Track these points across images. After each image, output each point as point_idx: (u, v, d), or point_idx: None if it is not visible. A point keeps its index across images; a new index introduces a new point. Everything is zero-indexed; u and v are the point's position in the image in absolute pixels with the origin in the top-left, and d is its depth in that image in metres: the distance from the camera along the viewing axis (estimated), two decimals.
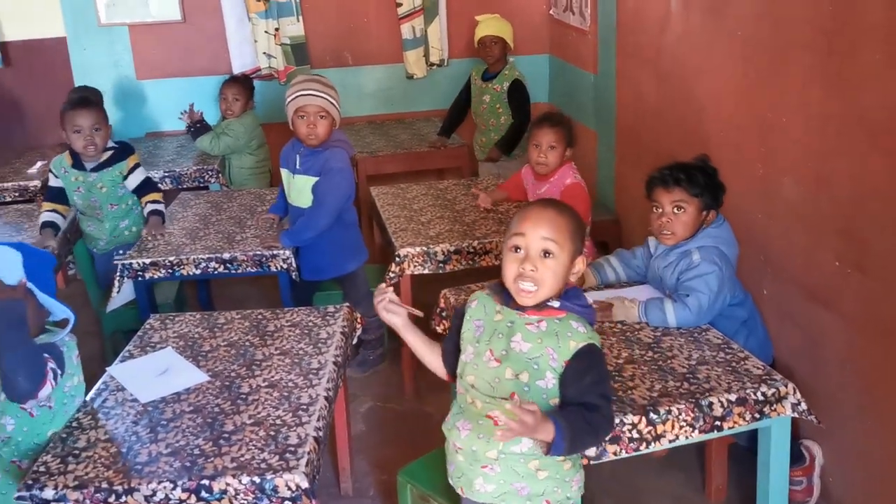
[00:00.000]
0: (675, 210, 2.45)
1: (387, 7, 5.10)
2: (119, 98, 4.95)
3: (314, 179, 3.10)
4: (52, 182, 3.38)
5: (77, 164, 3.33)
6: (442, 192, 3.77)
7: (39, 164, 4.38)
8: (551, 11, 5.19)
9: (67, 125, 3.26)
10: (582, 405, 1.70)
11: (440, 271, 3.14)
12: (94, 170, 3.33)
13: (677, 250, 2.47)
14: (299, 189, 3.15)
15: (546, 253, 1.74)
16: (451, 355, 1.93)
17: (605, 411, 1.72)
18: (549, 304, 1.78)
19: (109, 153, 3.35)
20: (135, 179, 3.38)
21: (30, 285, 1.95)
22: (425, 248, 3.10)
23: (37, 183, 4.15)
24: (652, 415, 1.96)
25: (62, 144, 4.10)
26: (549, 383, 1.74)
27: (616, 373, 2.13)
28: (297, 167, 3.14)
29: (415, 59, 5.15)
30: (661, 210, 2.47)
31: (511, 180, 3.58)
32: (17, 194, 4.18)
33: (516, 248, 1.77)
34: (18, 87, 5.02)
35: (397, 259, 3.10)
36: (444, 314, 2.68)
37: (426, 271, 3.13)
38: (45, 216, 3.34)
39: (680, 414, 1.98)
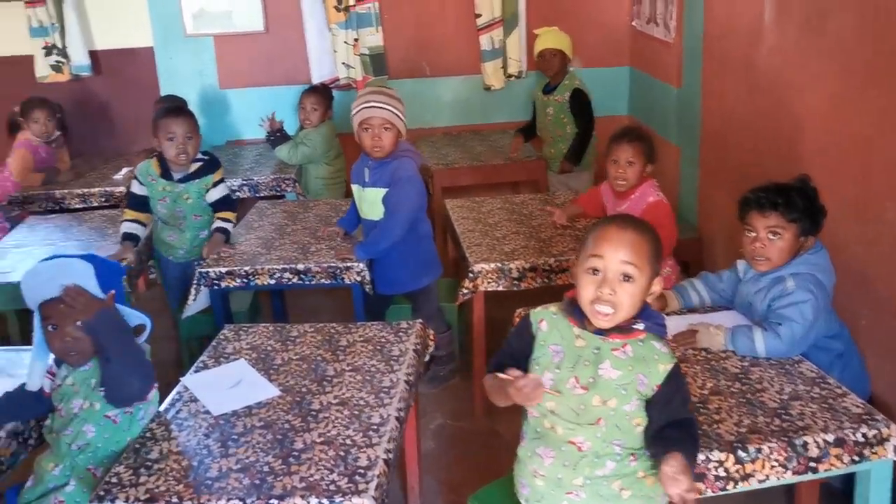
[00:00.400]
0: (771, 236, 2.31)
1: (466, 18, 5.07)
2: (202, 106, 5.05)
3: (384, 191, 3.08)
4: (136, 189, 3.36)
5: (165, 173, 3.32)
6: (518, 206, 3.70)
7: (125, 170, 4.49)
8: (634, 23, 5.07)
9: (161, 132, 3.25)
10: (678, 423, 1.70)
11: (514, 289, 3.07)
12: (182, 181, 3.33)
13: (770, 276, 2.33)
14: (371, 202, 3.13)
15: (625, 277, 1.72)
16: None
17: (695, 422, 1.78)
18: (634, 326, 1.76)
19: (198, 164, 3.34)
20: (216, 193, 3.37)
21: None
22: (500, 265, 3.04)
23: (122, 189, 4.25)
24: (740, 453, 1.84)
25: (147, 151, 4.20)
26: (633, 406, 1.74)
27: (701, 404, 2.02)
28: (367, 180, 3.12)
29: (493, 71, 5.10)
30: (754, 234, 2.33)
31: (588, 194, 3.48)
32: (103, 199, 4.30)
33: (594, 271, 1.73)
34: (107, 95, 5.17)
35: (471, 275, 3.04)
36: None
37: (500, 288, 3.06)
38: (126, 227, 3.33)
39: (771, 453, 1.85)
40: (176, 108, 3.45)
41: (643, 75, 4.99)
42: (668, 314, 2.47)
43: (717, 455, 1.84)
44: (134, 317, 2.04)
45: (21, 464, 2.07)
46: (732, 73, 3.62)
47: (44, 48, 4.92)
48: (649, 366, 1.73)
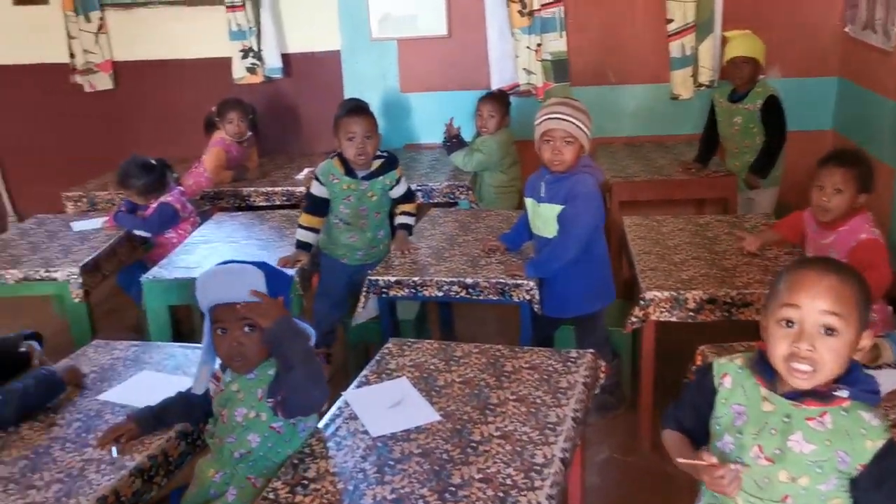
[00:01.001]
0: None
1: (655, 23, 4.80)
2: (383, 109, 5.11)
3: (560, 207, 2.93)
4: (316, 190, 3.36)
5: (349, 171, 3.31)
6: (701, 228, 3.43)
7: (307, 170, 4.62)
8: (847, 29, 4.59)
9: (341, 132, 3.26)
10: None
11: (689, 321, 2.82)
12: (366, 178, 3.33)
13: None
14: (544, 218, 2.99)
15: (827, 330, 1.47)
16: (687, 430, 1.72)
17: None
18: (836, 393, 1.50)
19: (380, 162, 3.35)
20: (400, 189, 3.41)
21: None
22: (675, 294, 2.81)
23: (302, 189, 4.36)
24: None
25: (327, 153, 4.29)
26: (831, 486, 1.50)
27: None
28: (542, 195, 2.98)
29: (682, 80, 4.80)
30: None
31: (788, 220, 3.13)
32: (284, 198, 4.43)
33: (788, 322, 1.50)
34: (295, 97, 5.36)
35: (642, 303, 2.83)
36: None
37: (673, 319, 2.83)
38: (301, 235, 3.35)
39: None
40: (356, 107, 3.45)
41: (855, 87, 4.52)
42: (879, 367, 2.15)
43: None
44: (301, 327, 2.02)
45: (187, 465, 2.11)
46: None
47: (241, 51, 5.17)
48: (854, 441, 1.48)
